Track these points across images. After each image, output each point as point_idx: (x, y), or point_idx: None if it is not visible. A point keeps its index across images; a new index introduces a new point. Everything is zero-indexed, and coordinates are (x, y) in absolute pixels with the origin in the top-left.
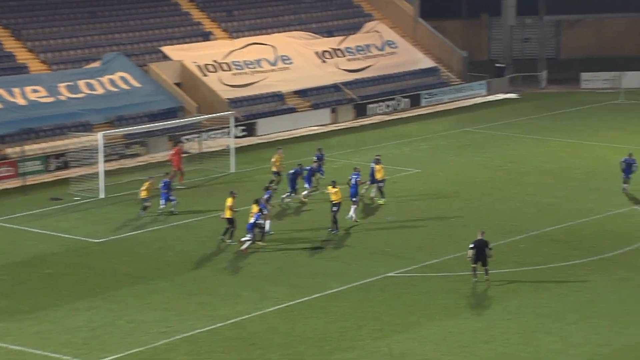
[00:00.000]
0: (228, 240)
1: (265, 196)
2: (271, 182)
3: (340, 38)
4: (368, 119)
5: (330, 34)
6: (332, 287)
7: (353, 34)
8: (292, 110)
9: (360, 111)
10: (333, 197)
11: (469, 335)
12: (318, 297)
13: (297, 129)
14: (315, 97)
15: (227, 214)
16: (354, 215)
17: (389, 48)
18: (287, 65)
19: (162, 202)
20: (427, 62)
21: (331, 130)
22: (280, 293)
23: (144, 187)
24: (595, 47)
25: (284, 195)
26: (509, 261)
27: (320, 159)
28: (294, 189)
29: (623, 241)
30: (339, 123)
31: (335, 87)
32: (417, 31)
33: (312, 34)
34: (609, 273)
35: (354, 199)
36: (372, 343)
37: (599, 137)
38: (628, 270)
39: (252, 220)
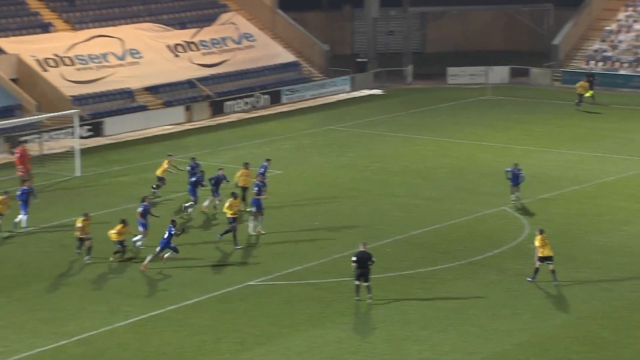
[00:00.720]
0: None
1: (140, 209)
2: (155, 187)
3: (193, 30)
4: (225, 117)
5: (182, 26)
6: (190, 297)
7: (207, 26)
8: (142, 108)
9: (217, 109)
10: (228, 212)
11: (334, 346)
12: (174, 309)
13: (148, 128)
14: (168, 94)
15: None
16: (250, 226)
17: (246, 41)
18: (136, 60)
19: (22, 215)
20: (287, 57)
21: (186, 130)
22: (132, 306)
23: None
24: (461, 40)
25: (187, 204)
26: (376, 267)
27: (194, 168)
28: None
29: (492, 243)
30: (194, 122)
31: (189, 83)
32: (276, 23)
33: (163, 26)
34: (478, 277)
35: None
36: (233, 357)
37: (467, 134)
38: (497, 274)
39: (165, 236)
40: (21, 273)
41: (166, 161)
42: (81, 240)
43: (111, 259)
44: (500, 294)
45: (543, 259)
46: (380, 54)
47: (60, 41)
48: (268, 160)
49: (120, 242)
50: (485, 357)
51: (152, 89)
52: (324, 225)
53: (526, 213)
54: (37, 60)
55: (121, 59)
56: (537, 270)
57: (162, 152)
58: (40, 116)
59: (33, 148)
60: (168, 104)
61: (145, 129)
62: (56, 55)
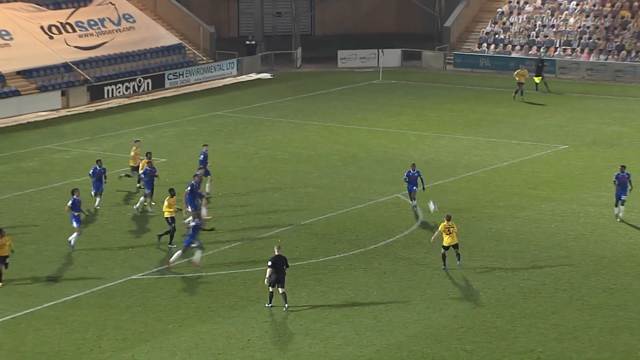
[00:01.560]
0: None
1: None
2: (126, 176)
3: (69, 10)
4: (105, 102)
5: (57, 6)
6: (68, 293)
7: (84, 6)
8: (15, 93)
9: (96, 94)
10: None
11: (223, 342)
12: (51, 306)
13: (22, 114)
14: (43, 78)
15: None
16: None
17: (126, 22)
18: (7, 42)
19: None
20: (170, 39)
21: (63, 116)
22: (5, 303)
23: None
24: (351, 23)
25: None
26: (265, 257)
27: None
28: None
29: (385, 232)
30: (71, 108)
31: (65, 67)
32: (158, 4)
33: (36, 6)
34: (372, 267)
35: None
36: (115, 355)
37: (359, 120)
38: (391, 263)
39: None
40: None
41: (135, 148)
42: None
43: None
44: (394, 284)
45: (447, 248)
46: (268, 36)
47: None
48: (205, 145)
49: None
50: (379, 349)
51: (25, 73)
52: (212, 215)
53: (420, 200)
54: None
55: None
56: (443, 256)
57: (37, 140)
58: None
59: None
60: (43, 89)
61: (18, 115)
62: None
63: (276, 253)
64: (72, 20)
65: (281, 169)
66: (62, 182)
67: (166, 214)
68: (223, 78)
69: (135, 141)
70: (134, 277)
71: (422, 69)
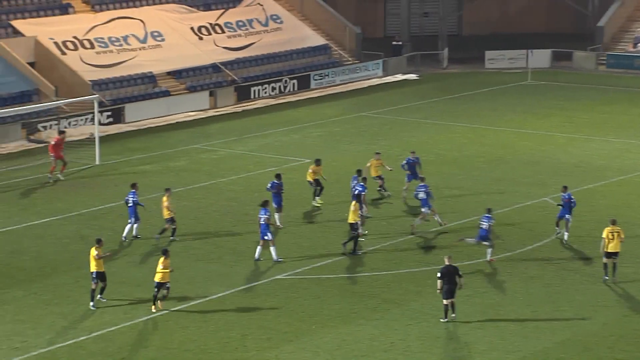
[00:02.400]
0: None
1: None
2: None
3: (218, 12)
4: (252, 103)
5: (207, 7)
6: (214, 292)
7: (233, 7)
8: (165, 93)
9: (243, 94)
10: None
11: (366, 344)
12: (197, 304)
13: (171, 114)
14: (192, 78)
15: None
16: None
17: (273, 23)
18: (158, 43)
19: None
20: (316, 40)
21: (210, 116)
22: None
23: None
24: (500, 22)
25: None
26: (409, 260)
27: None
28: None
29: (532, 236)
30: (218, 108)
31: (214, 68)
32: (305, 4)
33: (187, 7)
34: (518, 271)
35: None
36: (259, 354)
37: (506, 122)
38: (538, 268)
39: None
40: (39, 265)
41: (373, 160)
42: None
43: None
44: (540, 289)
45: (609, 255)
46: (415, 36)
47: (79, 23)
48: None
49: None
50: (525, 355)
51: (175, 74)
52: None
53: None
54: (56, 43)
55: (143, 42)
56: (605, 266)
57: (186, 139)
58: (58, 102)
59: (50, 135)
60: (191, 89)
61: (168, 115)
62: (75, 37)
63: (446, 263)
64: (221, 22)
65: (426, 171)
66: (209, 182)
67: (351, 220)
68: (369, 79)
69: (376, 153)
70: (278, 277)
71: (573, 69)
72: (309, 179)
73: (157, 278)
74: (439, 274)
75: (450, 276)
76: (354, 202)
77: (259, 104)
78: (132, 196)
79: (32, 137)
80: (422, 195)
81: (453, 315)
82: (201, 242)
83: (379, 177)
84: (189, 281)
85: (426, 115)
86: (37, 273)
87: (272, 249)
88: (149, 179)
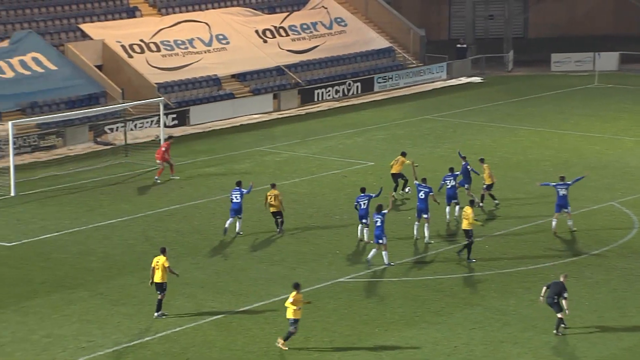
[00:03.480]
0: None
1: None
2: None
3: (283, 15)
4: (315, 105)
5: (272, 10)
6: (277, 294)
7: (297, 10)
8: (229, 96)
9: (307, 97)
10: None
11: (429, 347)
12: (260, 306)
13: (235, 117)
14: (256, 81)
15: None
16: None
17: (337, 26)
18: (223, 46)
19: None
20: (380, 42)
21: (274, 119)
22: (217, 302)
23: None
24: (566, 25)
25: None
26: (473, 264)
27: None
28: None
29: (598, 241)
30: (282, 111)
31: (278, 70)
32: (370, 7)
33: (252, 10)
34: (583, 276)
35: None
36: (322, 357)
37: (572, 125)
38: (604, 273)
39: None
40: (105, 266)
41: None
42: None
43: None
44: (607, 294)
45: None
46: (479, 39)
47: (146, 26)
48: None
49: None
50: None
51: (240, 76)
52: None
53: (636, 209)
54: (123, 46)
55: (208, 45)
56: None
57: (250, 142)
58: (125, 104)
59: (117, 137)
60: (256, 92)
61: (232, 117)
62: (142, 41)
63: (559, 279)
64: (285, 25)
65: None
66: None
67: (466, 226)
68: (432, 82)
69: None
70: (340, 280)
71: None
72: (394, 171)
73: (289, 314)
74: (545, 287)
75: (553, 293)
76: (467, 208)
77: (323, 106)
78: (237, 192)
79: (99, 139)
80: (422, 194)
81: (557, 332)
82: (264, 243)
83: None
84: (252, 283)
85: (490, 118)
86: (104, 274)
87: (384, 253)
88: (213, 181)
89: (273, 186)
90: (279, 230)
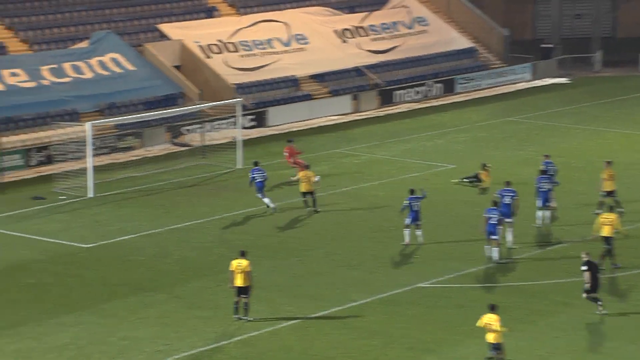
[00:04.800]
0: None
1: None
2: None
3: (363, 14)
4: (395, 107)
5: (351, 9)
6: (355, 299)
7: (378, 9)
8: (307, 97)
9: (386, 98)
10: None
11: (511, 355)
12: (338, 311)
13: (313, 118)
14: (335, 82)
15: None
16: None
17: (418, 26)
18: (302, 46)
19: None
20: (462, 42)
21: (352, 120)
22: (295, 306)
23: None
24: None
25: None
26: (558, 270)
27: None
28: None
29: None
30: (361, 112)
31: (357, 71)
32: (451, 6)
33: (331, 9)
34: None
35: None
36: None
37: None
38: None
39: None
40: (181, 269)
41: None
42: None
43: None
44: None
45: None
46: (566, 39)
47: (224, 26)
48: (546, 156)
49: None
50: None
51: (318, 77)
52: None
53: None
54: (201, 47)
55: (286, 45)
56: None
57: (327, 143)
58: (202, 105)
59: (194, 139)
60: (334, 93)
61: (310, 119)
62: (220, 41)
63: (586, 259)
64: (365, 24)
65: (575, 178)
66: (351, 187)
67: (607, 233)
68: (516, 83)
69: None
70: (420, 285)
71: None
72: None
73: (491, 339)
74: (584, 267)
75: (594, 270)
76: (612, 214)
77: (402, 108)
78: (412, 200)
79: (176, 141)
80: (507, 200)
81: (603, 311)
82: (342, 247)
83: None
84: (330, 287)
85: (576, 120)
86: (180, 276)
87: (494, 250)
88: (290, 183)
89: (307, 167)
90: (315, 209)
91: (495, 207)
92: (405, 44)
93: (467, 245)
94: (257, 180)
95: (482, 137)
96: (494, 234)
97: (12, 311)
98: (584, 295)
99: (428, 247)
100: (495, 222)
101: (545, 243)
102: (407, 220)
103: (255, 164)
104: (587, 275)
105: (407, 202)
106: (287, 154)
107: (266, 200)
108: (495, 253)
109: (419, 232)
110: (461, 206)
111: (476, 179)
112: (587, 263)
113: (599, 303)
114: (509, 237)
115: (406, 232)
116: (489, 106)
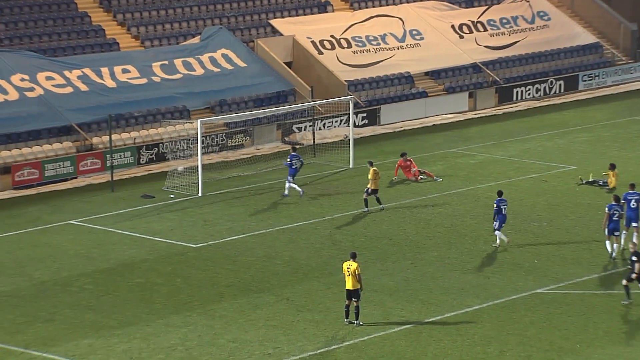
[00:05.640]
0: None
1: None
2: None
3: (481, 8)
4: (514, 105)
5: (469, 3)
6: (469, 304)
7: (497, 3)
8: (422, 94)
9: (504, 96)
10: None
11: None
12: (452, 316)
13: (427, 117)
14: (451, 79)
15: None
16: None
17: (540, 20)
18: (417, 42)
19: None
20: (587, 38)
21: (469, 119)
22: (407, 310)
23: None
24: None
25: None
26: None
27: None
28: None
29: None
30: (478, 110)
31: (474, 68)
32: (575, 0)
33: (448, 4)
34: None
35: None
36: None
37: None
38: None
39: None
40: (290, 270)
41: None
42: None
43: None
44: None
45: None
46: None
47: (337, 21)
48: None
49: None
50: None
51: (434, 74)
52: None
53: None
54: (313, 42)
55: (401, 40)
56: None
57: (442, 143)
58: (314, 102)
59: (305, 137)
60: (450, 91)
61: (425, 117)
62: (332, 36)
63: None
64: (483, 19)
65: None
66: (466, 188)
67: None
68: None
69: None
70: (538, 290)
71: None
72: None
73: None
74: (634, 258)
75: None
76: None
77: (522, 106)
78: (500, 204)
79: (286, 139)
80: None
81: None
82: (456, 250)
83: None
84: (443, 292)
85: None
86: (289, 278)
87: (615, 246)
88: (403, 183)
89: (371, 164)
90: (382, 207)
91: (617, 203)
92: (526, 40)
93: (588, 250)
94: (293, 167)
95: (606, 137)
96: (617, 230)
97: (121, 311)
98: (624, 282)
99: (547, 251)
100: (618, 219)
101: None
102: (496, 224)
103: (294, 148)
104: (637, 266)
105: (495, 204)
106: (398, 167)
107: (294, 185)
108: (616, 249)
109: (498, 233)
110: (584, 209)
111: (603, 181)
112: (636, 254)
113: (630, 292)
114: (635, 241)
115: (497, 234)
116: (613, 104)
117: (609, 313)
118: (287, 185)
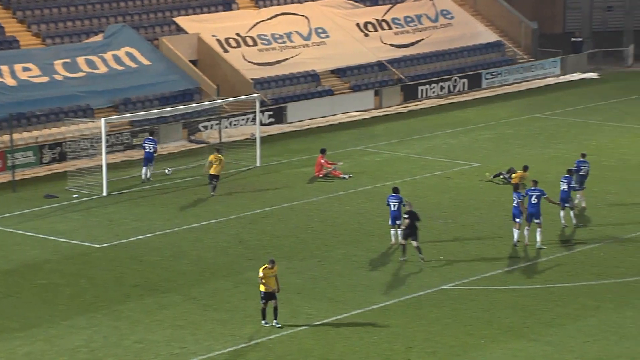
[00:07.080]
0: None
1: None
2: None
3: (385, 7)
4: (418, 103)
5: (374, 2)
6: (377, 301)
7: (401, 2)
8: (328, 92)
9: (410, 94)
10: None
11: None
12: (360, 314)
13: (334, 115)
14: (356, 77)
15: None
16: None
17: (443, 19)
18: (322, 40)
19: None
20: (489, 36)
21: (375, 117)
22: (314, 309)
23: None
24: None
25: None
26: (587, 272)
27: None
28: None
29: None
30: (383, 108)
31: (379, 66)
32: None
33: (353, 2)
34: None
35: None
36: None
37: None
38: None
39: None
40: (197, 270)
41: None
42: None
43: None
44: None
45: None
46: (597, 32)
47: (242, 19)
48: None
49: None
50: None
51: (339, 72)
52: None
53: None
54: (218, 40)
55: (306, 39)
56: None
57: (348, 141)
58: (220, 101)
59: (211, 135)
60: (356, 89)
61: (331, 115)
62: (238, 34)
63: (408, 209)
64: (388, 17)
65: (606, 177)
66: (372, 186)
67: None
68: (545, 78)
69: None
70: (444, 287)
71: None
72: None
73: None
74: (405, 215)
75: (412, 219)
76: None
77: (426, 104)
78: (150, 142)
79: (192, 138)
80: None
81: (421, 256)
82: (363, 248)
83: None
84: (350, 289)
85: (607, 117)
86: (196, 277)
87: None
88: (310, 181)
89: (218, 151)
90: (213, 194)
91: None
92: (430, 38)
93: (493, 246)
94: (147, 150)
95: (509, 134)
96: (536, 216)
97: (23, 313)
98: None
99: (452, 248)
100: (517, 206)
101: (574, 243)
102: (390, 221)
103: (151, 133)
104: (406, 222)
105: (387, 200)
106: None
107: (146, 170)
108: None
109: (393, 232)
110: (487, 206)
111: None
112: (408, 212)
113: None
114: (538, 237)
115: (392, 232)
116: (516, 102)
117: (513, 308)
118: (144, 170)
